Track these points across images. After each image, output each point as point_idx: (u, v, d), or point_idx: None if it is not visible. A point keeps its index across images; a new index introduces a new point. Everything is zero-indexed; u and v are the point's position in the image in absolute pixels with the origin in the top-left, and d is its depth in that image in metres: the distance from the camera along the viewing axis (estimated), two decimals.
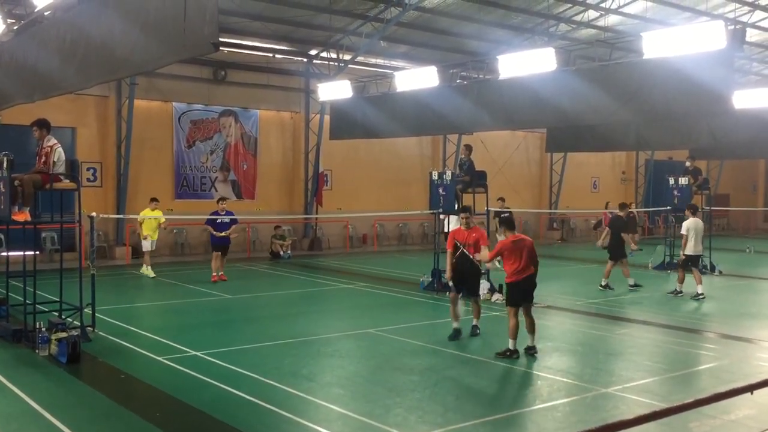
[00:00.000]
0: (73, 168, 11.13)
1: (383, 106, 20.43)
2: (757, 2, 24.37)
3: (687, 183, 20.08)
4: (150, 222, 18.02)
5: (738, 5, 23.76)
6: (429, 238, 27.00)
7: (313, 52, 25.85)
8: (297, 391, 8.38)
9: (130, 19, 9.28)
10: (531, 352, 10.06)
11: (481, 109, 17.51)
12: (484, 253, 10.90)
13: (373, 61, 26.55)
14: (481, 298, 12.90)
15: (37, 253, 13.09)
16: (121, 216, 21.16)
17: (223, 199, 18.37)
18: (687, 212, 16.02)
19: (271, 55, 25.06)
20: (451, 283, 11.55)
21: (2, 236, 18.11)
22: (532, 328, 10.15)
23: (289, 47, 25.40)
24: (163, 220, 18.24)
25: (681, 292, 15.61)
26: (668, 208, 20.95)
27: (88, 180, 21.55)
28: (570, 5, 24.05)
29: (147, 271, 18.12)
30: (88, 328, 10.96)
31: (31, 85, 12.94)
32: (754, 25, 25.28)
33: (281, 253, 23.25)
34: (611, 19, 24.88)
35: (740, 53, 19.65)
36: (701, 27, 13.87)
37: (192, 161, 23.90)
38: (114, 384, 8.84)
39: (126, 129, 22.16)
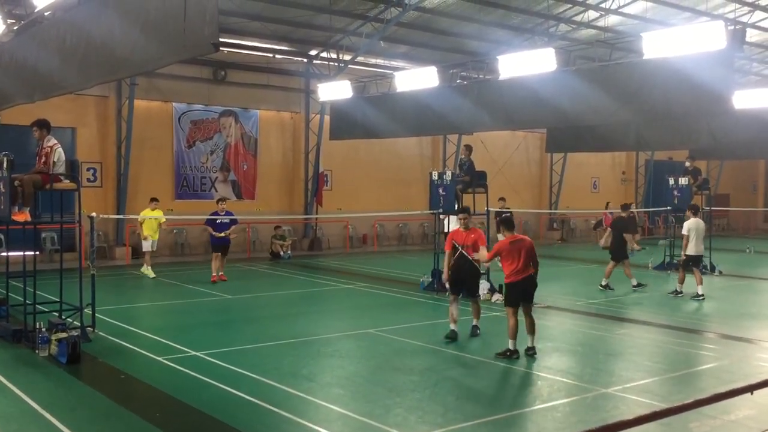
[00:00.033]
0: (73, 168, 11.12)
1: (383, 107, 20.42)
2: (757, 2, 24.38)
3: (687, 183, 20.09)
4: (150, 222, 18.01)
5: (738, 5, 23.77)
6: (429, 239, 26.99)
7: (313, 53, 25.86)
8: (297, 392, 8.38)
9: (130, 19, 9.28)
10: (530, 352, 10.04)
11: (481, 109, 17.50)
12: (482, 253, 10.91)
13: (373, 61, 26.55)
14: (481, 298, 12.91)
15: (37, 253, 13.11)
16: (121, 216, 21.16)
17: (222, 199, 18.35)
18: (688, 212, 16.01)
19: (271, 55, 25.07)
20: (447, 285, 11.56)
21: (2, 236, 18.10)
22: (532, 329, 10.14)
23: (289, 47, 25.41)
24: (163, 220, 18.24)
25: (681, 292, 15.61)
26: (668, 208, 20.97)
27: (88, 180, 21.55)
28: (570, 5, 24.05)
29: (147, 271, 18.12)
30: (88, 328, 10.95)
31: (32, 85, 12.93)
32: (754, 26, 25.29)
33: (281, 253, 23.25)
34: (611, 20, 24.89)
35: (740, 53, 19.66)
36: (701, 27, 13.87)
37: (192, 161, 23.91)
38: (114, 384, 8.84)
39: (126, 129, 22.17)
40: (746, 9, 24.70)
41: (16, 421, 7.40)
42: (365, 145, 25.70)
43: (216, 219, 17.38)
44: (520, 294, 10.09)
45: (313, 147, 26.06)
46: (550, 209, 32.87)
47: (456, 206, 15.44)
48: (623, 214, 17.08)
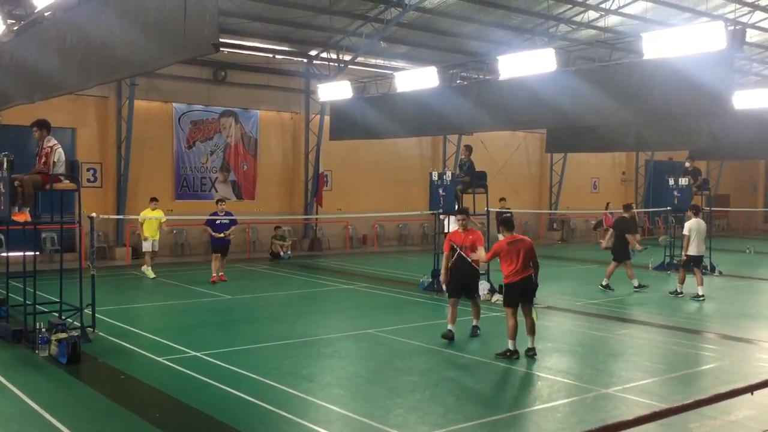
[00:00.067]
0: (73, 168, 11.12)
1: (383, 107, 20.43)
2: (757, 3, 24.38)
3: (687, 184, 20.09)
4: (151, 223, 18.00)
5: (738, 6, 23.78)
6: (429, 239, 26.99)
7: (313, 53, 25.86)
8: (297, 392, 8.38)
9: (130, 19, 9.28)
10: (530, 353, 10.02)
11: (481, 109, 17.51)
12: (480, 254, 10.91)
13: (373, 61, 26.56)
14: (482, 298, 12.91)
15: (37, 253, 13.11)
16: (121, 217, 21.17)
17: (221, 200, 18.34)
18: (689, 212, 16.02)
19: (271, 55, 25.07)
20: (445, 288, 11.56)
21: (2, 237, 18.09)
22: (531, 330, 10.12)
23: (289, 48, 25.41)
24: (164, 219, 18.23)
25: (681, 293, 15.60)
26: (668, 208, 20.97)
27: (88, 180, 21.55)
28: (570, 6, 24.06)
29: (147, 271, 18.11)
30: (88, 328, 10.95)
31: (32, 85, 12.93)
32: (754, 26, 25.30)
33: (281, 253, 23.25)
34: (611, 20, 24.89)
35: (740, 54, 19.68)
36: (701, 28, 13.87)
37: (192, 162, 23.91)
38: (114, 384, 8.84)
39: (126, 129, 22.17)
40: (746, 9, 24.71)
41: (16, 421, 7.40)
42: (365, 145, 25.70)
43: (215, 220, 17.37)
44: (519, 294, 10.08)
45: (313, 147, 26.06)
46: (550, 209, 32.87)
47: (456, 206, 15.44)
48: (625, 215, 17.06)
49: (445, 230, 15.57)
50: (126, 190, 22.18)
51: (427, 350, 10.62)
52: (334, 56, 25.31)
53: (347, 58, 25.03)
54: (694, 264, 15.58)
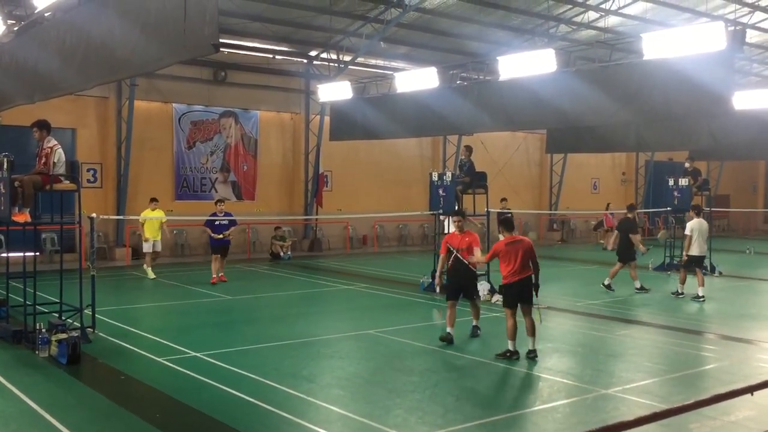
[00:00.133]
0: (73, 169, 11.12)
1: (383, 107, 20.42)
2: (757, 3, 24.39)
3: (687, 184, 20.09)
4: (151, 224, 17.99)
5: (738, 6, 23.77)
6: (429, 239, 26.99)
7: (313, 53, 25.86)
8: (297, 392, 8.38)
9: (130, 19, 9.28)
10: (531, 355, 9.97)
11: (482, 110, 17.50)
12: (477, 255, 10.90)
13: (373, 62, 26.57)
14: (482, 299, 12.90)
15: (37, 254, 13.10)
16: (121, 217, 21.17)
17: (221, 200, 18.31)
18: (691, 213, 16.01)
19: (271, 56, 25.07)
20: (438, 290, 11.54)
21: (2, 237, 18.09)
22: (531, 331, 10.09)
23: (289, 48, 25.41)
24: (164, 219, 18.23)
25: (683, 293, 15.60)
26: (668, 209, 20.97)
27: (88, 181, 21.55)
28: (570, 6, 24.06)
29: (148, 272, 18.09)
30: (88, 329, 10.95)
31: (32, 86, 12.94)
32: (754, 26, 25.29)
33: (281, 254, 23.25)
34: (611, 21, 24.89)
35: (740, 54, 19.68)
36: (701, 28, 13.87)
37: (192, 162, 23.91)
38: (114, 385, 8.84)
39: (126, 130, 22.17)
40: (746, 10, 24.71)
41: (16, 421, 7.40)
42: (365, 145, 25.70)
43: (215, 220, 17.36)
44: (517, 295, 10.07)
45: (313, 148, 26.06)
46: (550, 210, 32.87)
47: (456, 207, 15.45)
48: (629, 215, 17.04)
49: (445, 231, 15.57)
50: (126, 191, 22.19)
51: (427, 351, 10.62)
52: (334, 57, 25.32)
53: (347, 58, 25.03)
54: (696, 264, 15.57)
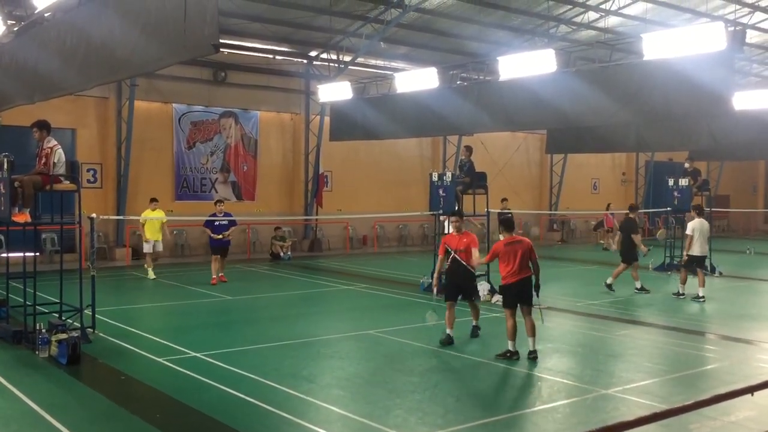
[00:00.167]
0: (73, 169, 11.13)
1: (383, 108, 20.43)
2: (757, 4, 24.39)
3: (687, 184, 20.08)
4: (152, 224, 17.98)
5: (738, 7, 23.77)
6: (429, 240, 26.98)
7: (313, 54, 25.87)
8: (297, 393, 8.38)
9: (130, 20, 9.28)
10: (532, 356, 9.94)
11: (482, 110, 17.50)
12: (475, 256, 10.88)
13: (373, 62, 26.57)
14: (482, 299, 12.89)
15: (38, 254, 13.10)
16: (121, 217, 21.17)
17: (220, 201, 18.32)
18: (692, 213, 16.01)
19: (271, 56, 25.08)
20: (435, 291, 11.55)
21: (2, 237, 18.08)
22: (531, 331, 10.07)
23: (289, 49, 25.42)
24: (164, 219, 18.22)
25: (683, 293, 15.60)
26: (668, 209, 20.96)
27: (88, 181, 21.56)
28: (570, 7, 24.06)
29: (148, 272, 18.08)
30: (89, 329, 10.95)
31: (32, 86, 12.94)
32: (754, 27, 25.30)
33: (281, 254, 23.25)
34: (611, 21, 24.90)
35: (740, 55, 19.66)
36: (701, 28, 13.86)
37: (192, 162, 23.92)
38: (114, 385, 8.84)
39: (126, 130, 22.18)
40: (746, 10, 24.71)
41: (16, 422, 7.40)
42: (365, 146, 25.71)
43: (214, 221, 17.35)
44: (516, 296, 10.06)
45: (313, 148, 26.07)
46: (551, 210, 32.87)
47: (456, 207, 15.44)
48: (631, 215, 17.04)
49: (445, 231, 15.56)
50: (126, 191, 22.19)
51: (427, 351, 10.61)
52: (334, 57, 25.33)
53: (347, 58, 25.04)
54: (697, 264, 15.56)
